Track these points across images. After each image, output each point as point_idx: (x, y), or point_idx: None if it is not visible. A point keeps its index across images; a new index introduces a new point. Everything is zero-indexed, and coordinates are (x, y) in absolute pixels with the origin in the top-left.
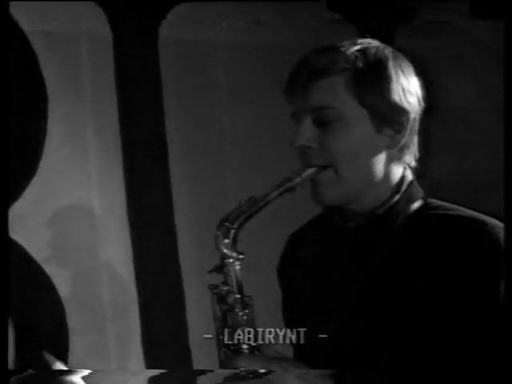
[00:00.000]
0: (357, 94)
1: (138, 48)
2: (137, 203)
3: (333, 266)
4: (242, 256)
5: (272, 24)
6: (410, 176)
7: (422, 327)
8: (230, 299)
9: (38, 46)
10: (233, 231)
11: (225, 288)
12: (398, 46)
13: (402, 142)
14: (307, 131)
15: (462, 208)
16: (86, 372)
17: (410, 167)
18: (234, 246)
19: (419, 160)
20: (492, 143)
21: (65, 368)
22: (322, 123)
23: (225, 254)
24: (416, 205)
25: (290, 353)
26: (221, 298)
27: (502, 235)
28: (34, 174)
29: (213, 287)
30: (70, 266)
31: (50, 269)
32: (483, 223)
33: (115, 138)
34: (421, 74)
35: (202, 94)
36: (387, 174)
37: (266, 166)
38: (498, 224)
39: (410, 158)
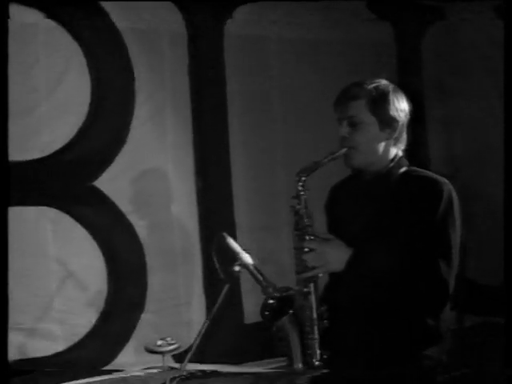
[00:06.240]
0: (371, 109)
1: (206, 43)
2: (202, 171)
3: (356, 202)
4: (307, 191)
5: (315, 22)
6: (400, 154)
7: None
8: (301, 212)
9: (128, 40)
10: (303, 178)
11: (298, 206)
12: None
13: (394, 135)
14: (344, 129)
15: (427, 171)
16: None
17: (401, 149)
18: (304, 186)
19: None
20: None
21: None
22: (352, 125)
23: (299, 190)
24: (402, 169)
25: None
26: (295, 212)
27: (448, 188)
28: (124, 143)
29: (293, 207)
30: (149, 217)
31: (133, 219)
32: (438, 181)
33: (187, 119)
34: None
35: (258, 81)
36: (387, 152)
37: (309, 146)
38: (446, 181)
39: (401, 144)
